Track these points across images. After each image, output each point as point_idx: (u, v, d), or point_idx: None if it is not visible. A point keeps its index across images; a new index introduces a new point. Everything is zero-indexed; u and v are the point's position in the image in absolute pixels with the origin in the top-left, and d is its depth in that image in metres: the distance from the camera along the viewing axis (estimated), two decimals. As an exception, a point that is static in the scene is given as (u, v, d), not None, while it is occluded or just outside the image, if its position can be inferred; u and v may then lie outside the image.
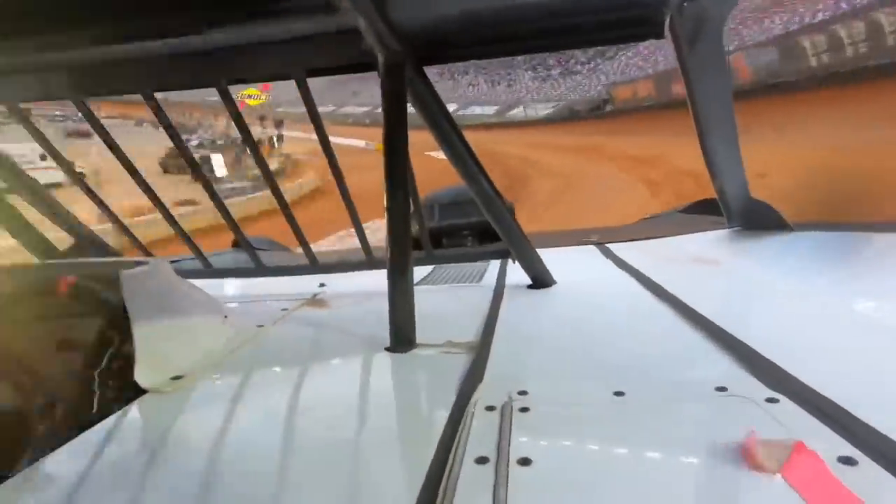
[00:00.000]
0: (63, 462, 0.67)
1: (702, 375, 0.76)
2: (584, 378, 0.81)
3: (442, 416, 0.69)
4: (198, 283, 1.16)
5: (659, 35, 1.00)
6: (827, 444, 0.54)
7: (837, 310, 1.02)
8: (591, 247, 1.76)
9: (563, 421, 0.67)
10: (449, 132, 1.15)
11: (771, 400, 0.65)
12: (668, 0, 0.95)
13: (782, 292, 1.19)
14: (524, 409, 0.68)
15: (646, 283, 1.26)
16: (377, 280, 1.09)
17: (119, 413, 0.78)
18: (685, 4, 0.96)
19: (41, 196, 1.49)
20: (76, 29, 0.95)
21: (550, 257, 1.36)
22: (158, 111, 1.23)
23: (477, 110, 36.70)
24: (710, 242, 1.67)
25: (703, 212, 2.07)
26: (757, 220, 1.59)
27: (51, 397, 0.85)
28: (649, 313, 1.08)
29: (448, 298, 1.42)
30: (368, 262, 1.45)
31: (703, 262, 1.52)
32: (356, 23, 0.92)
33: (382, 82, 1.02)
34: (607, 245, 1.74)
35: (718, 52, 1.10)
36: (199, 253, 1.51)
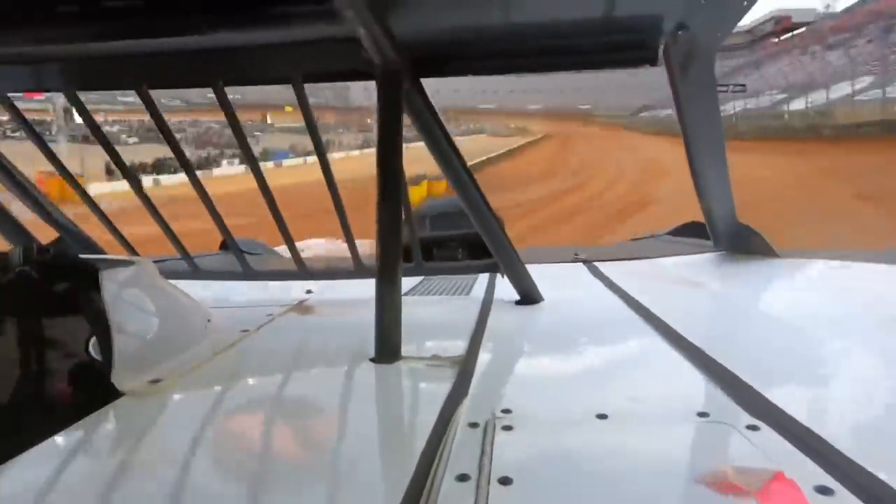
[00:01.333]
0: (31, 466, 0.65)
1: (685, 400, 0.76)
2: (568, 398, 0.81)
3: (424, 431, 0.68)
4: (183, 284, 1.14)
5: (653, 62, 1.02)
6: (805, 473, 0.55)
7: (821, 338, 1.03)
8: (580, 264, 1.77)
9: (545, 441, 0.67)
10: (443, 143, 1.16)
11: (752, 427, 0.65)
12: (663, 28, 0.97)
13: (766, 318, 1.20)
14: (507, 428, 0.68)
15: (632, 304, 1.27)
16: (365, 289, 1.08)
17: (93, 416, 0.76)
18: (679, 33, 0.98)
19: (25, 188, 1.46)
20: (73, 23, 0.95)
21: (539, 273, 1.36)
22: (153, 109, 1.22)
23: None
24: (696, 265, 1.69)
25: (691, 234, 2.10)
26: (743, 244, 1.62)
27: (23, 396, 0.82)
28: (634, 335, 1.08)
29: (436, 310, 1.42)
30: (357, 270, 1.44)
31: (689, 285, 1.54)
32: (356, 31, 0.93)
33: (378, 91, 1.03)
34: (595, 263, 1.75)
35: (709, 80, 1.12)
36: (185, 254, 1.49)
